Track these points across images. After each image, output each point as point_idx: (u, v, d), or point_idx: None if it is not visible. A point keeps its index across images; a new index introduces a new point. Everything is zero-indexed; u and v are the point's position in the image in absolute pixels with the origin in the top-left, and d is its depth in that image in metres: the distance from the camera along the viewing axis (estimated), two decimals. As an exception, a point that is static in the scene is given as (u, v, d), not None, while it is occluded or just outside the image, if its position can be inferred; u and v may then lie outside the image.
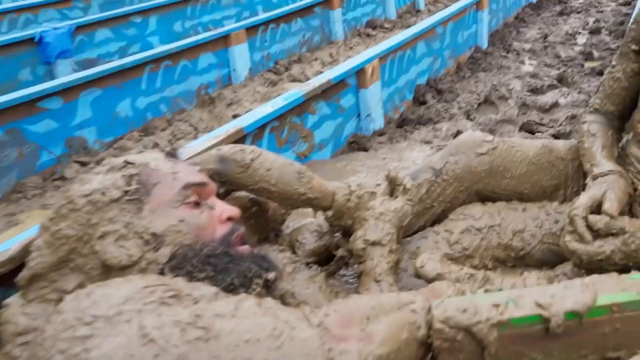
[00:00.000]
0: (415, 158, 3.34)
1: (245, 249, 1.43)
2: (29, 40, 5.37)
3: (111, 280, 1.14)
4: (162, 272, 1.28)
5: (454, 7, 5.30)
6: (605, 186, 1.74)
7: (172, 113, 4.70)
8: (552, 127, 3.77)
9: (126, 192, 1.31)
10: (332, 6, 6.83)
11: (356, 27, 7.45)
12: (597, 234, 1.66)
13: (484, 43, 6.02)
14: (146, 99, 4.52)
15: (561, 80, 4.79)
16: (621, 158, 1.96)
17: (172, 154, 1.46)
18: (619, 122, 2.06)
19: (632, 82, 1.97)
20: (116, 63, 4.31)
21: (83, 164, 3.75)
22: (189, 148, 2.25)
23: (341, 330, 1.05)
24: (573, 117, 3.81)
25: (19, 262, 1.58)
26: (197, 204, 1.37)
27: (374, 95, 3.67)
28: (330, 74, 3.28)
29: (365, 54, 3.71)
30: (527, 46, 6.13)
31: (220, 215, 1.40)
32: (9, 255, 1.56)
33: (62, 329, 1.02)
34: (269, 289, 1.36)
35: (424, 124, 4.00)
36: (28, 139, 3.64)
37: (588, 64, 5.28)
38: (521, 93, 4.48)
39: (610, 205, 1.67)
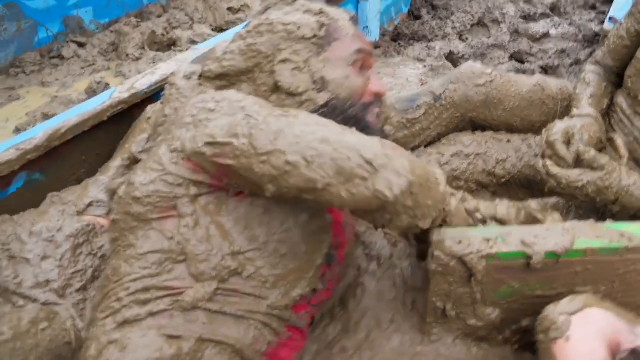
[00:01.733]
0: (408, 75, 3.44)
1: (375, 121, 1.60)
2: None
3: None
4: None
5: None
6: (580, 124, 1.91)
7: (167, 0, 4.66)
8: (541, 58, 3.87)
9: (315, 35, 1.52)
10: None
11: None
12: (576, 163, 1.82)
13: (482, -40, 5.97)
14: (143, -18, 4.47)
15: (554, 9, 4.84)
16: (610, 107, 2.12)
17: (354, 20, 1.63)
18: (616, 77, 2.18)
19: (633, 42, 2.08)
20: (115, -58, 4.23)
21: (80, 44, 3.77)
22: (200, 50, 2.31)
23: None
24: (562, 51, 3.91)
25: (44, 150, 1.70)
26: (360, 70, 1.57)
27: (373, 8, 3.71)
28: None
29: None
30: (524, -31, 6.11)
31: (371, 87, 1.58)
32: (35, 143, 1.67)
33: (200, 100, 1.33)
34: None
35: (418, 41, 4.07)
36: (26, 14, 3.63)
37: (581, -5, 5.32)
38: (514, 19, 4.52)
39: (582, 140, 1.84)
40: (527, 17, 4.62)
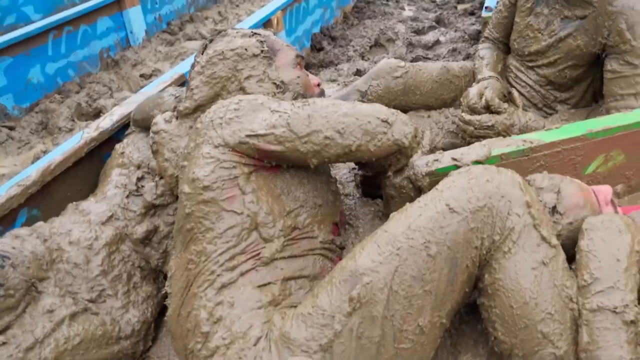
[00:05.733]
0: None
1: None
2: None
3: None
4: None
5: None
6: (486, 84, 2.30)
7: (80, 77, 4.82)
8: (437, 59, 4.27)
9: (262, 51, 1.83)
10: (216, -34, 6.98)
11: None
12: (487, 111, 2.26)
13: (363, -7, 6.43)
14: (54, 64, 4.62)
15: (439, 21, 5.31)
16: (505, 70, 2.51)
17: (274, 34, 1.95)
18: (504, 46, 2.62)
19: (509, 12, 2.54)
20: (21, 31, 4.36)
21: (10, 128, 3.88)
22: (144, 93, 2.51)
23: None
24: (454, 50, 4.33)
25: (40, 184, 1.87)
26: (301, 69, 1.88)
27: (281, 43, 4.01)
28: (244, 25, 3.58)
29: (270, 6, 4.02)
30: (403, -6, 6.62)
31: (313, 80, 1.92)
32: (32, 179, 1.84)
33: (219, 107, 1.61)
34: None
35: (326, 67, 4.40)
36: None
37: (460, 6, 5.84)
38: (406, 34, 4.95)
39: (490, 94, 2.25)
40: (418, 32, 5.07)
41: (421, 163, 1.78)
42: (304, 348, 1.34)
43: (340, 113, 1.58)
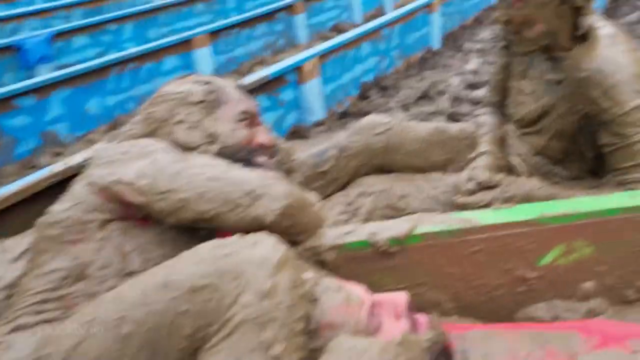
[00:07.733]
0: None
1: (266, 163, 1.89)
2: (11, 48, 5.77)
3: None
4: None
5: (401, 10, 5.73)
6: (474, 164, 2.25)
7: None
8: (476, 116, 4.17)
9: (204, 100, 1.85)
10: (295, 11, 7.21)
11: (321, 32, 7.78)
12: (480, 188, 2.14)
13: (435, 44, 6.42)
14: (114, 97, 4.92)
15: (499, 77, 5.20)
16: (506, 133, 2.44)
17: (240, 86, 1.99)
18: (503, 108, 2.53)
19: (504, 75, 2.46)
20: (83, 65, 4.71)
21: (57, 154, 4.18)
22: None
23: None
24: (494, 107, 4.23)
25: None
26: (247, 125, 1.88)
27: (313, 90, 4.09)
28: (269, 70, 3.70)
29: (305, 52, 4.13)
30: (478, 46, 6.52)
31: (257, 139, 1.89)
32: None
33: (114, 146, 1.64)
34: None
35: (362, 116, 4.42)
36: (5, 132, 4.07)
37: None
38: (457, 88, 4.88)
39: (478, 173, 2.16)
40: (472, 86, 4.96)
41: (332, 234, 1.67)
42: None
43: (207, 176, 1.50)
